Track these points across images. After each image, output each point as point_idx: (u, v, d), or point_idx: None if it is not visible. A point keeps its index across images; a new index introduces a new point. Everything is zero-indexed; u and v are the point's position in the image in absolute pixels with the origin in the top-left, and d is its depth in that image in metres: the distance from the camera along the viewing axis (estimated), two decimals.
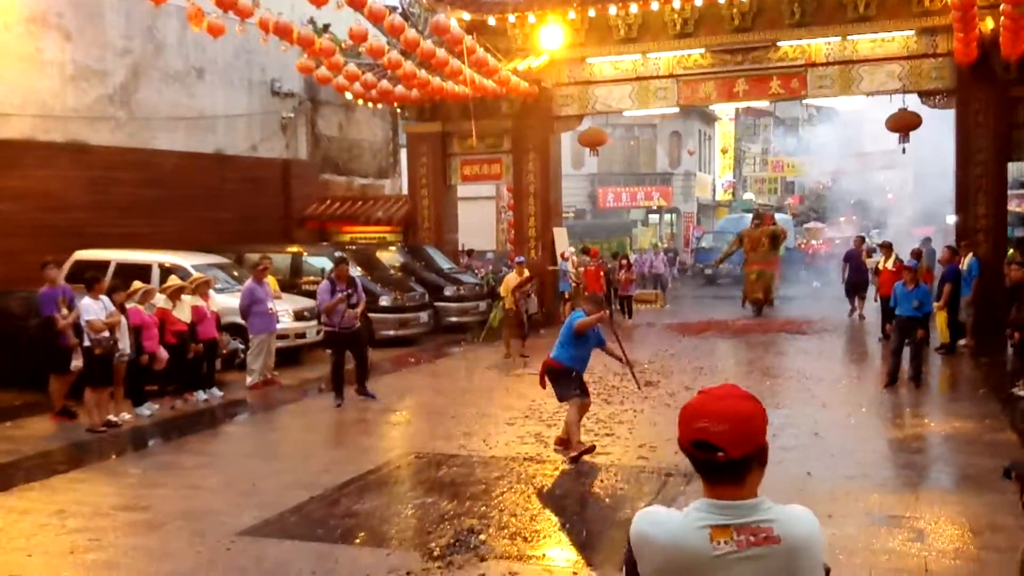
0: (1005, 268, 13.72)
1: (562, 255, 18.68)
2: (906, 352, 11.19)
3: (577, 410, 8.00)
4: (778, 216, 35.97)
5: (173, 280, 11.25)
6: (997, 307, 12.58)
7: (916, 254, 15.25)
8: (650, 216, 39.50)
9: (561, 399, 8.24)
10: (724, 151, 44.75)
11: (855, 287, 18.37)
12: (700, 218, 41.51)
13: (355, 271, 15.52)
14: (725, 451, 1.86)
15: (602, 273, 18.75)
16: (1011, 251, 14.46)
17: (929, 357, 13.49)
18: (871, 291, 17.63)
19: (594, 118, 19.82)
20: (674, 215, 40.08)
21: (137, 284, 10.51)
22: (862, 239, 20.02)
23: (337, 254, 14.13)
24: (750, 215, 23.50)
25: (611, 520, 6.39)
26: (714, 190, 44.25)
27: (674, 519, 1.93)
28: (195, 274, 11.99)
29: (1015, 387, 10.34)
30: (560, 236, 19.16)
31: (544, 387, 8.25)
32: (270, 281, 12.47)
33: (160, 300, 10.72)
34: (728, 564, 1.84)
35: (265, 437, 9.70)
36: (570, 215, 31.82)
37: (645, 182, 38.65)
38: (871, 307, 17.49)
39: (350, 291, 10.69)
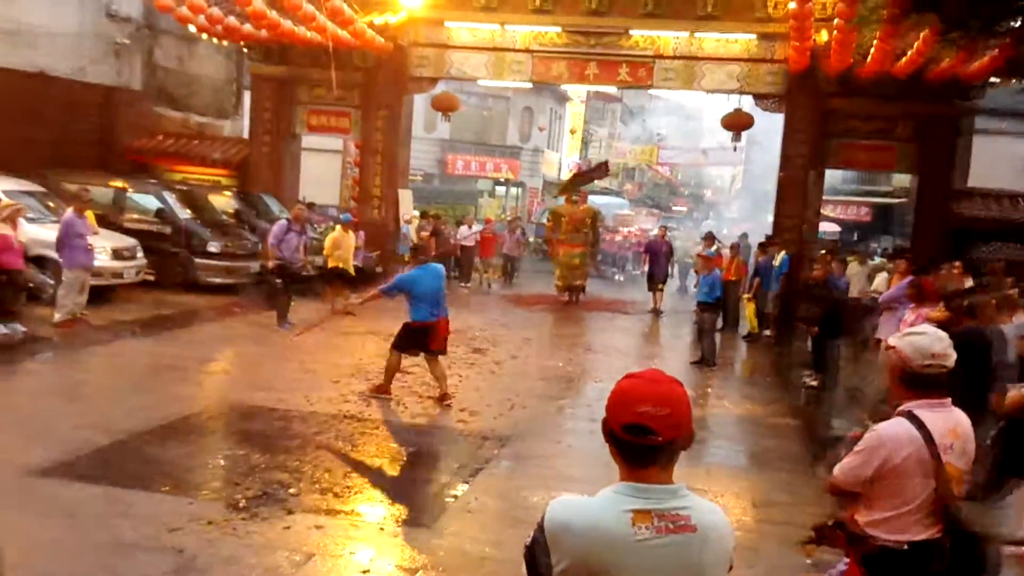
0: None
1: (405, 219, 18.63)
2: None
3: None
4: (616, 200, 37.07)
5: None
6: (799, 302, 13.62)
7: (734, 247, 16.33)
8: (497, 188, 39.82)
9: None
10: (573, 131, 45.61)
11: (653, 280, 17.92)
12: (544, 195, 42.24)
13: (184, 213, 14.93)
14: (662, 435, 1.84)
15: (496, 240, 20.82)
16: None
17: (736, 343, 14.46)
18: (690, 280, 18.54)
19: (448, 83, 19.70)
20: (520, 189, 40.59)
21: None
22: (665, 229, 20.04)
23: (303, 200, 14.60)
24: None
25: (424, 479, 6.49)
26: (560, 169, 45.09)
27: (593, 504, 1.88)
28: (4, 200, 11.07)
29: (805, 376, 11.27)
30: (405, 198, 19.05)
31: None
32: (88, 215, 11.70)
33: None
34: (646, 550, 1.83)
35: (68, 377, 9.13)
36: (418, 178, 31.58)
37: (495, 153, 38.87)
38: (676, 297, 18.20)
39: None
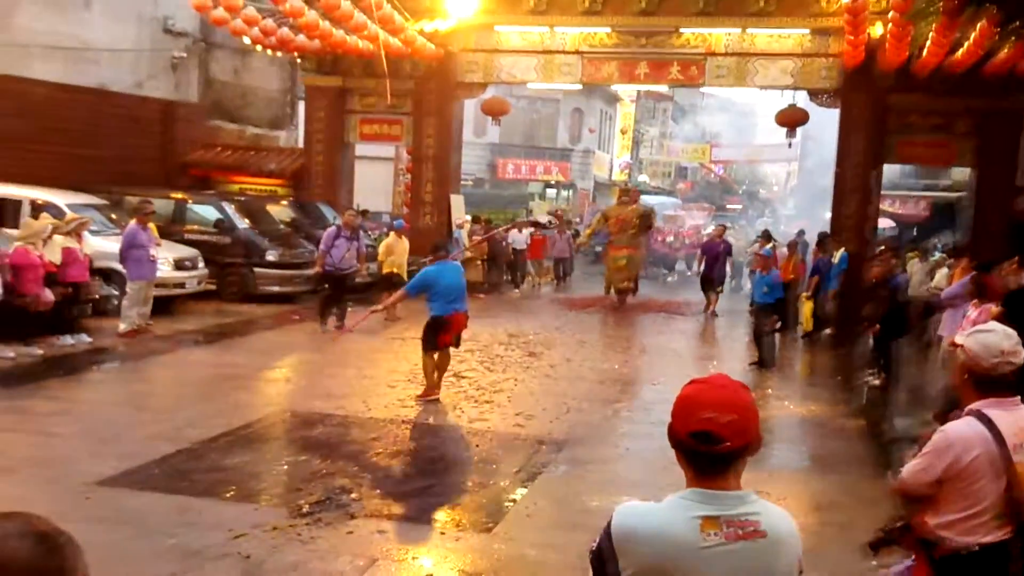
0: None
1: (457, 224, 18.74)
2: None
3: None
4: (668, 200, 36.72)
5: (45, 219, 10.71)
6: (859, 301, 13.34)
7: (792, 246, 16.06)
8: (547, 190, 39.82)
9: None
10: (624, 132, 45.42)
11: (708, 282, 17.10)
12: (596, 196, 42.10)
13: (242, 223, 15.23)
14: (730, 441, 1.82)
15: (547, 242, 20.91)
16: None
17: (795, 344, 14.23)
18: (745, 279, 18.22)
19: (498, 87, 19.76)
20: (571, 191, 40.52)
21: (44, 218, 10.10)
22: (723, 228, 19.15)
23: (356, 208, 14.38)
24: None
25: (482, 483, 6.51)
26: (611, 169, 44.91)
27: (660, 510, 1.88)
28: (69, 213, 11.44)
29: (868, 376, 11.03)
30: (457, 203, 19.15)
31: None
32: (151, 227, 12.03)
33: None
34: (715, 557, 1.81)
35: (133, 387, 9.39)
36: (469, 183, 31.71)
37: (545, 156, 38.88)
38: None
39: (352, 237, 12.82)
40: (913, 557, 3.32)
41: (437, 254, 9.07)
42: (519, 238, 20.60)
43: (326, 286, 13.04)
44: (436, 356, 8.85)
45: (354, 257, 12.91)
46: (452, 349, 9.06)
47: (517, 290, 19.90)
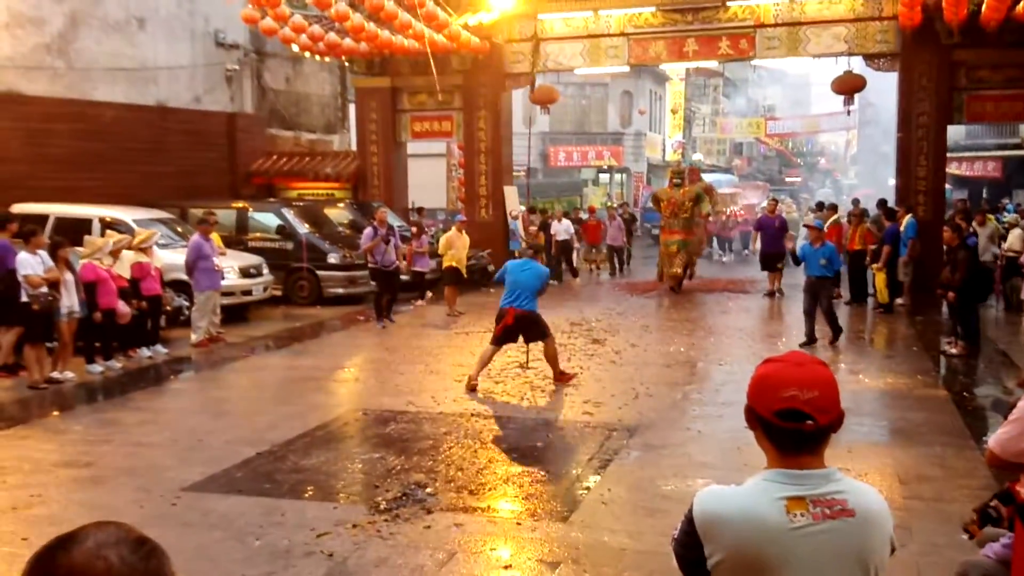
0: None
1: (511, 214, 18.75)
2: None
3: None
4: (724, 177, 36.10)
5: (110, 235, 11.05)
6: (934, 268, 12.97)
7: (858, 215, 15.64)
8: (600, 175, 39.58)
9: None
10: (674, 111, 44.75)
11: (769, 260, 16.19)
12: (650, 178, 41.70)
13: (303, 228, 15.50)
14: (815, 419, 1.78)
15: (603, 227, 20.68)
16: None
17: (868, 315, 13.92)
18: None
19: (545, 76, 19.71)
20: (624, 175, 40.21)
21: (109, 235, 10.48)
22: (775, 202, 18.00)
23: (376, 204, 15.21)
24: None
25: (555, 472, 6.53)
26: (664, 150, 44.37)
27: (744, 493, 1.84)
28: (137, 229, 11.78)
29: (946, 344, 10.73)
30: (511, 195, 19.18)
31: None
32: (214, 237, 12.32)
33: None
34: (803, 538, 1.77)
35: (211, 394, 9.63)
36: (521, 174, 31.69)
37: (596, 141, 38.64)
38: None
39: (388, 233, 13.10)
40: (1009, 534, 3.22)
41: (526, 252, 10.04)
42: (560, 228, 20.38)
43: (373, 283, 13.65)
44: (496, 350, 9.22)
45: (393, 254, 13.27)
46: (522, 340, 9.32)
47: (576, 278, 19.84)
